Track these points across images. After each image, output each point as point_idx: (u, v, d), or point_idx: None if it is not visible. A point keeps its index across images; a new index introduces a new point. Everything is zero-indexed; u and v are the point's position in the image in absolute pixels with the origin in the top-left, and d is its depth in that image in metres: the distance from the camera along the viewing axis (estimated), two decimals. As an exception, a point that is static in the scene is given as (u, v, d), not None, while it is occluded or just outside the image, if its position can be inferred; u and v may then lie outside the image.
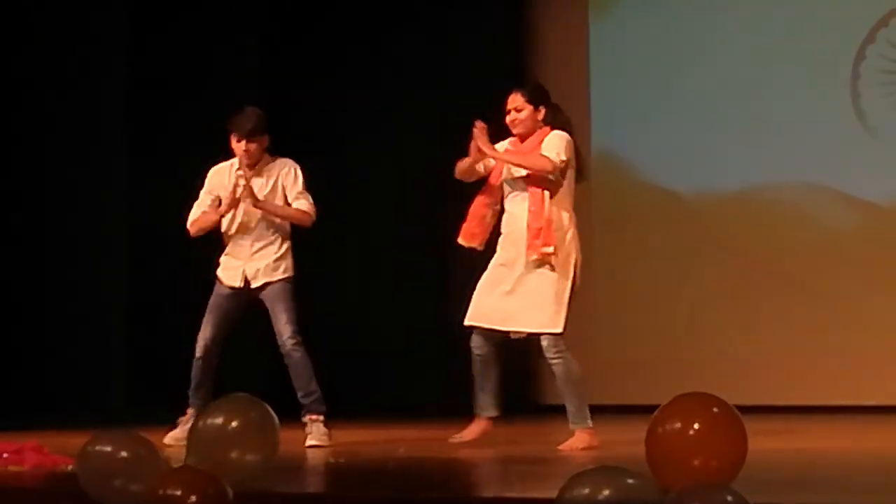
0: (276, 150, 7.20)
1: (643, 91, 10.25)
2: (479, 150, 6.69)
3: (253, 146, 7.02)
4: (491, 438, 6.83)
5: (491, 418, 6.79)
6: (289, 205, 7.10)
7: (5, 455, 5.66)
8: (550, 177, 6.60)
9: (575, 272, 6.63)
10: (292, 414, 7.10)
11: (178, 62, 10.32)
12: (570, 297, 6.59)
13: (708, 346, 9.83)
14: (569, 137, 6.69)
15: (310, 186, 7.12)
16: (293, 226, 7.17)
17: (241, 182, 7.02)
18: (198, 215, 7.20)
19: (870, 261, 9.52)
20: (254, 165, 7.09)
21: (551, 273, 6.57)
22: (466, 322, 6.72)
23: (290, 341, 6.96)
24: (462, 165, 6.83)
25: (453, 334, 6.91)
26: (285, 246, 7.13)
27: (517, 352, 6.94)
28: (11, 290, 9.95)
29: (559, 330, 6.53)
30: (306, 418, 6.99)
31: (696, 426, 3.35)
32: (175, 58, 10.31)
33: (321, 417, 6.99)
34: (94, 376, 9.96)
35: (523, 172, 6.69)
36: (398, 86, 10.59)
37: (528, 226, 6.59)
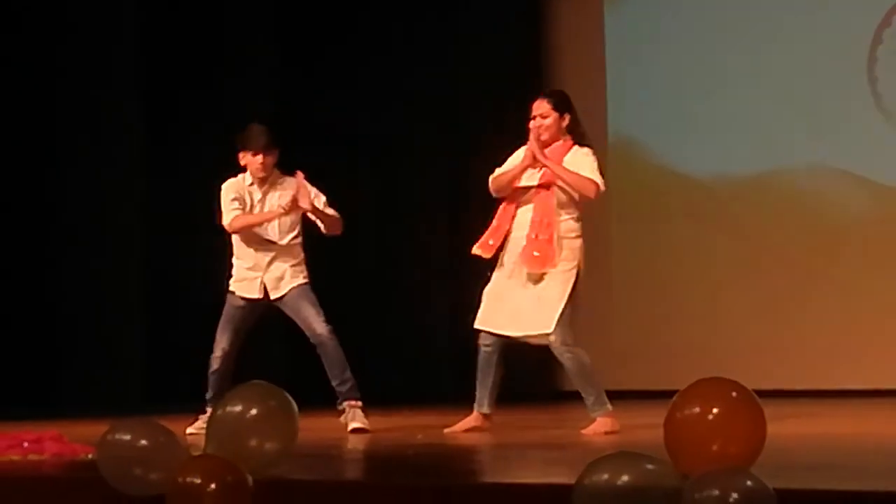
0: (289, 142, 7.24)
1: (659, 77, 10.23)
2: (534, 157, 6.62)
3: (270, 159, 7.10)
4: (511, 425, 6.82)
5: (485, 415, 6.76)
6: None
7: (25, 444, 5.67)
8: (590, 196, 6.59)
9: (578, 277, 6.59)
10: (311, 402, 7.11)
11: (191, 53, 10.31)
12: (571, 298, 6.53)
13: (726, 330, 9.81)
14: (593, 154, 6.65)
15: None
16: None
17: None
18: (248, 219, 7.13)
19: (887, 244, 9.49)
20: (266, 179, 7.15)
21: (556, 277, 6.55)
22: (476, 325, 6.73)
23: (325, 330, 6.97)
24: (505, 178, 6.70)
25: (468, 323, 6.91)
26: (301, 255, 7.19)
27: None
28: (30, 281, 9.98)
29: (549, 330, 6.50)
30: (344, 405, 6.99)
31: (714, 411, 3.35)
32: (189, 49, 10.30)
33: (359, 404, 6.99)
34: (112, 367, 9.98)
35: (536, 180, 6.64)
36: (411, 73, 10.55)
37: (528, 236, 6.57)
